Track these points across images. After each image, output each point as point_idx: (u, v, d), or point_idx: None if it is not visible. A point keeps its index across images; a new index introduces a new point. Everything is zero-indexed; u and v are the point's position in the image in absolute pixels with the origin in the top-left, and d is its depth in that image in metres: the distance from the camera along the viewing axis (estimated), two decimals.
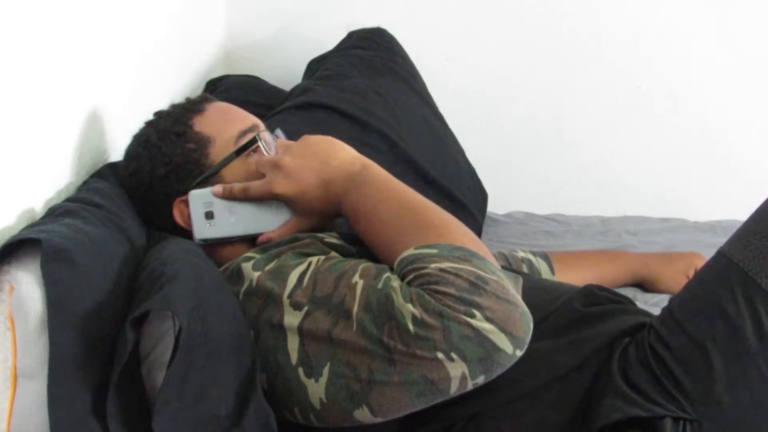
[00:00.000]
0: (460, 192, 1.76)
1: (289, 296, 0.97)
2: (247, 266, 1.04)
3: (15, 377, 0.89)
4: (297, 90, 1.82)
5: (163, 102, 1.28)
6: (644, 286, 1.58)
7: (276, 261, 1.03)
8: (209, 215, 1.15)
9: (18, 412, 0.88)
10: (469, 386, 0.90)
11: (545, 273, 1.52)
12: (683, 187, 2.28)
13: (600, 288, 1.17)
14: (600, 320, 1.08)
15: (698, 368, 0.97)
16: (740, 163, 2.26)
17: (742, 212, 1.61)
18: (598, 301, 1.13)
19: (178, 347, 0.87)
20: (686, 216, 2.09)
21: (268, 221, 1.15)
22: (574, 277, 1.52)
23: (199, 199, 1.15)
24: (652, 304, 1.59)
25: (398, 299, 0.90)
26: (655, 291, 1.57)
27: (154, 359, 0.93)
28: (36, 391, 0.87)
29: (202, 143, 1.18)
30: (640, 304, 1.46)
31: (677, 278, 1.54)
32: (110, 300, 0.92)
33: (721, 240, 1.80)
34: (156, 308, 0.90)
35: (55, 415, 0.84)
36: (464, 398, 0.92)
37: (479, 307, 0.88)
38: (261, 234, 1.16)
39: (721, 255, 1.03)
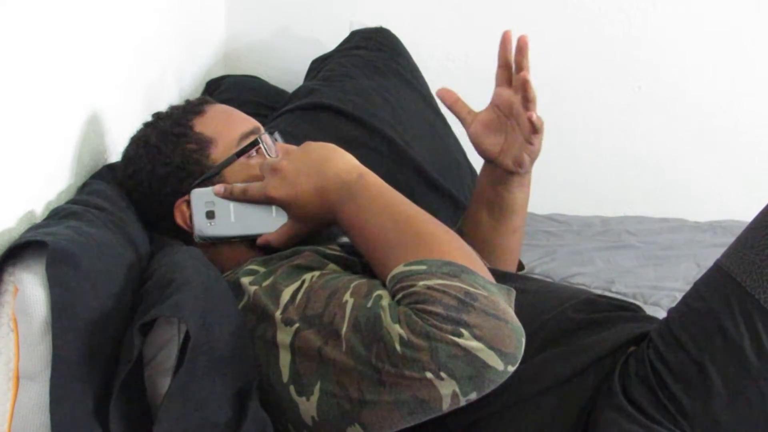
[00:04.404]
0: (462, 195, 1.76)
1: (282, 313, 0.97)
2: (245, 281, 1.04)
3: (17, 378, 0.89)
4: (302, 90, 1.82)
5: (163, 102, 1.29)
6: (505, 167, 1.31)
7: (272, 277, 1.02)
8: (210, 215, 1.15)
9: (19, 414, 0.88)
10: (462, 402, 0.89)
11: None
12: (683, 187, 2.28)
13: (601, 295, 1.16)
14: (600, 328, 1.07)
15: (696, 386, 0.95)
16: (740, 163, 2.27)
17: (742, 212, 1.62)
18: (600, 309, 1.11)
19: (186, 355, 0.87)
20: (686, 216, 2.10)
21: (267, 223, 1.15)
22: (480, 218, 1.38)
23: (201, 197, 1.15)
24: (652, 303, 1.59)
25: (386, 319, 0.89)
26: (509, 164, 1.29)
27: (157, 365, 0.93)
28: (38, 392, 0.87)
29: (204, 144, 1.18)
30: (639, 303, 1.46)
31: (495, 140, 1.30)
32: (114, 304, 0.92)
33: (722, 240, 1.82)
34: (165, 315, 0.90)
35: (56, 417, 0.84)
36: (461, 406, 0.91)
37: (467, 326, 0.87)
38: (260, 235, 1.16)
39: (718, 267, 1.01)
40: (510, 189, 1.33)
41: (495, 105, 1.31)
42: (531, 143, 1.26)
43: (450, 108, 1.36)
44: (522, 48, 1.22)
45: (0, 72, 0.98)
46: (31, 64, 1.05)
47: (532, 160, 1.31)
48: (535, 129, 1.23)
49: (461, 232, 1.44)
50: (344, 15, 2.14)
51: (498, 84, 1.30)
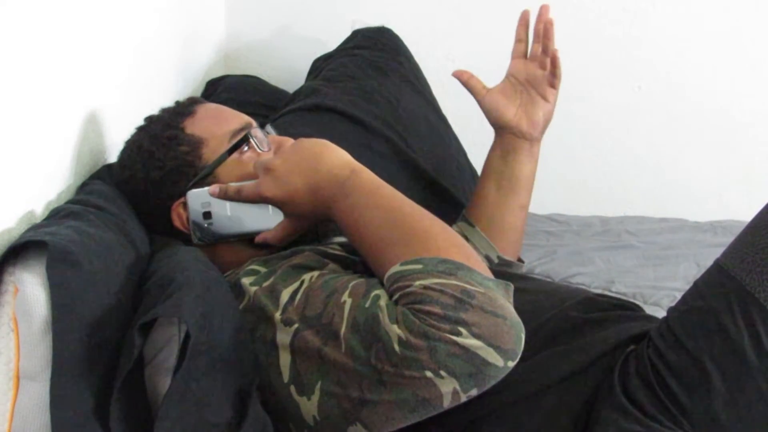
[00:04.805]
0: (462, 195, 1.76)
1: (281, 314, 0.97)
2: (246, 282, 1.04)
3: (17, 378, 0.89)
4: (304, 91, 1.82)
5: (163, 102, 1.28)
6: (516, 129, 1.43)
7: (272, 278, 1.02)
8: (207, 215, 1.15)
9: (20, 414, 0.88)
10: (463, 399, 0.89)
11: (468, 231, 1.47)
12: (683, 187, 2.28)
13: (601, 295, 1.16)
14: (600, 327, 1.07)
15: (696, 385, 0.95)
16: (740, 163, 2.27)
17: (742, 212, 1.62)
18: (600, 308, 1.11)
19: (186, 355, 0.87)
20: (686, 216, 2.09)
21: (264, 221, 1.15)
22: (504, 200, 1.45)
23: (197, 199, 1.15)
24: (652, 303, 1.59)
25: (384, 320, 0.89)
26: (523, 124, 1.42)
27: (157, 364, 0.93)
28: (38, 393, 0.87)
29: (195, 145, 1.18)
30: (639, 303, 1.46)
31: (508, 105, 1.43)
32: (115, 303, 0.92)
33: (722, 240, 1.82)
34: (166, 315, 0.90)
35: (57, 418, 0.84)
36: (461, 405, 0.90)
37: (465, 324, 0.86)
38: (258, 233, 1.16)
39: (718, 266, 1.01)
40: (520, 159, 1.43)
41: (510, 75, 1.44)
42: (547, 99, 1.41)
43: (465, 83, 1.47)
44: (542, 14, 1.42)
45: (0, 72, 0.98)
46: (31, 63, 1.05)
47: (546, 122, 1.44)
48: (555, 65, 1.38)
49: (464, 218, 1.46)
50: (346, 14, 2.14)
51: (514, 57, 1.45)
